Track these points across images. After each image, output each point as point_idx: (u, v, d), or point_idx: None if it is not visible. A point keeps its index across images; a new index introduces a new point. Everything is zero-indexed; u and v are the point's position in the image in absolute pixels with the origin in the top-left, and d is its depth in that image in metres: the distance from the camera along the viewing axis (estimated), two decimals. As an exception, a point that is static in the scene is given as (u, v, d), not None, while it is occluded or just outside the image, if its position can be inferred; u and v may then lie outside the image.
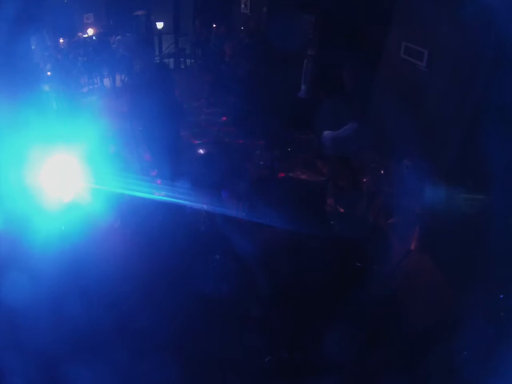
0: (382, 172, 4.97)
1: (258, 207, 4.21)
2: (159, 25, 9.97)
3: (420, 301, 3.65)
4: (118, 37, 9.20)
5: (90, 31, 9.69)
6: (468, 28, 4.12)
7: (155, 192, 4.39)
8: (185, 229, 4.33)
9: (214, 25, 9.61)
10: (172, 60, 10.16)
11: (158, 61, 9.62)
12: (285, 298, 3.48)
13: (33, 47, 7.19)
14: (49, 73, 7.65)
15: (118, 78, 8.75)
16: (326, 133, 4.98)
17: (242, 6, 9.48)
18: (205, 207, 4.40)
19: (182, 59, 10.35)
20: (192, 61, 10.38)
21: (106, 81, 9.00)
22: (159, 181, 4.75)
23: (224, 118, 7.28)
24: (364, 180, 5.04)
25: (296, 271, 3.74)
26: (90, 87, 8.87)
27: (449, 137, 4.64)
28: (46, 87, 6.95)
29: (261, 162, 5.82)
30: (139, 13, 10.30)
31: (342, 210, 4.74)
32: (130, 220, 4.49)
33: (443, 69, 4.73)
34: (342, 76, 4.82)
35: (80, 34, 9.42)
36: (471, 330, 2.84)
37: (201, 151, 5.57)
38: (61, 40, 8.74)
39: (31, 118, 3.98)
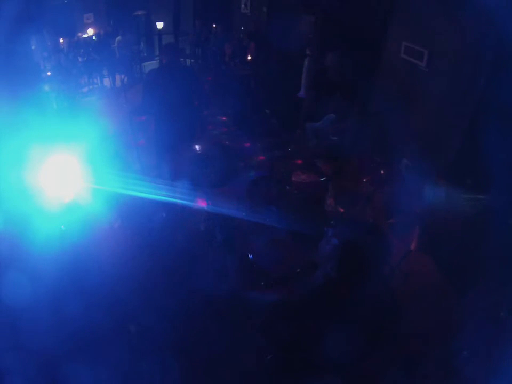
0: (382, 171, 4.97)
1: (257, 207, 4.21)
2: (159, 25, 9.97)
3: (420, 301, 3.65)
4: (118, 37, 9.21)
5: (90, 31, 9.69)
6: (468, 28, 4.12)
7: (155, 192, 4.39)
8: (185, 229, 4.33)
9: (214, 25, 9.63)
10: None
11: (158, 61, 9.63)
12: (285, 298, 3.48)
13: (33, 47, 7.19)
14: (49, 73, 7.66)
15: (118, 78, 8.76)
16: (308, 124, 5.64)
17: (242, 6, 9.50)
18: (205, 207, 4.40)
19: (182, 59, 10.35)
20: (192, 61, 10.39)
21: (106, 81, 9.01)
22: (158, 181, 4.75)
23: (224, 118, 7.28)
24: (364, 180, 5.04)
25: (295, 270, 3.74)
26: (90, 87, 8.88)
27: (449, 137, 4.65)
28: (46, 87, 6.96)
29: (261, 162, 5.81)
30: (139, 13, 10.31)
31: (342, 210, 4.74)
32: (130, 220, 4.50)
33: (443, 69, 4.73)
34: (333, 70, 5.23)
35: (80, 34, 9.42)
36: (471, 331, 2.84)
37: (201, 151, 5.57)
38: (61, 40, 8.75)
39: (31, 118, 3.98)
